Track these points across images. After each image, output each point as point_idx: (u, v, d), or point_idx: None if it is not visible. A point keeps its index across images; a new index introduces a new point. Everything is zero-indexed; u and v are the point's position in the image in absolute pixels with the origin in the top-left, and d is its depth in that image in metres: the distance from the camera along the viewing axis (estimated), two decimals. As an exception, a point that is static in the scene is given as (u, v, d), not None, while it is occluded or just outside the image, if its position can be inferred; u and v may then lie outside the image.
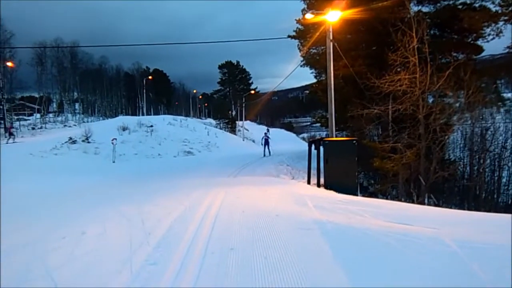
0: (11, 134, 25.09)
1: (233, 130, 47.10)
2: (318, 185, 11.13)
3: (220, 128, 44.87)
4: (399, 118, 13.47)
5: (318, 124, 32.68)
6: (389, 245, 4.44)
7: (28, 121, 37.71)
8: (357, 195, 9.94)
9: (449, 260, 3.84)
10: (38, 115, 40.99)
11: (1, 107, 29.45)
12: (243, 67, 74.36)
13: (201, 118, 62.27)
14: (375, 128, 16.65)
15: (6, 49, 29.16)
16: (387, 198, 12.71)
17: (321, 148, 11.28)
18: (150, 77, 54.01)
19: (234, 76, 73.82)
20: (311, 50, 19.17)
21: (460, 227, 5.18)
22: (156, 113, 56.72)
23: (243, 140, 42.23)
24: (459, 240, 4.32)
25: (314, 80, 22.68)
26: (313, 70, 21.10)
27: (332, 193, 8.95)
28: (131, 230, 5.60)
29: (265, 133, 25.69)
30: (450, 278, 3.48)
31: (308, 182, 11.67)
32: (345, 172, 10.31)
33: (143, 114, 47.20)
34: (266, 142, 23.91)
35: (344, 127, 18.48)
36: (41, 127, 34.01)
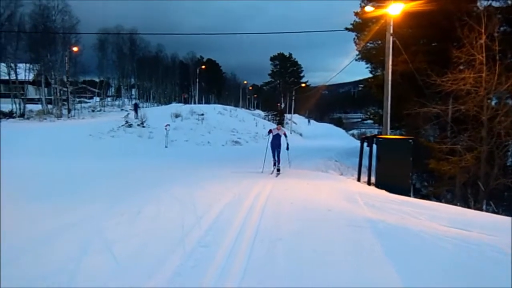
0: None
1: (281, 122, 46.90)
2: (369, 183, 10.87)
3: (268, 120, 44.89)
4: (460, 119, 12.71)
5: (369, 121, 31.78)
6: (446, 249, 4.26)
7: (89, 104, 39.97)
8: (409, 196, 9.57)
9: (510, 270, 3.62)
10: (98, 99, 43.34)
11: (66, 89, 31.35)
12: (295, 60, 73.81)
13: (249, 109, 62.66)
14: (432, 128, 15.88)
15: (72, 34, 30.88)
16: (441, 202, 12.12)
17: (374, 146, 10.99)
18: (203, 67, 55.13)
19: (286, 68, 73.50)
20: (367, 44, 18.64)
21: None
22: (207, 102, 57.93)
23: (291, 133, 42.05)
24: (522, 250, 4.06)
25: (368, 75, 22.11)
26: (368, 65, 20.56)
27: (383, 192, 8.69)
28: (183, 213, 5.81)
29: (279, 126, 12.98)
30: (514, 289, 3.28)
31: (358, 180, 11.42)
32: (398, 171, 9.97)
33: (194, 103, 48.40)
34: (275, 144, 11.72)
35: (398, 126, 17.81)
36: (100, 110, 35.93)
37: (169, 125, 21.86)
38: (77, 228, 5.09)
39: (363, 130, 60.63)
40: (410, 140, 10.35)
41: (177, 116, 27.91)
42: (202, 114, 29.87)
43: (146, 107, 36.95)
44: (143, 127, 23.59)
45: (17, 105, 27.37)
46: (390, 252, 4.11)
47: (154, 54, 51.51)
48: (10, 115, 26.08)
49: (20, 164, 10.94)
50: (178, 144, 21.79)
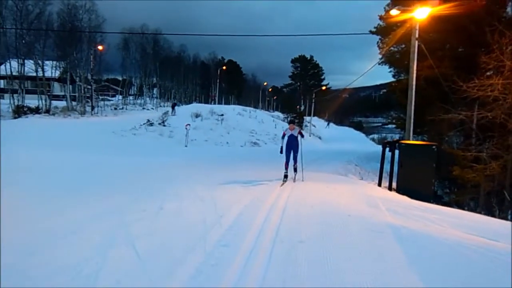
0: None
1: (300, 125, 46.72)
2: (390, 188, 10.71)
3: (288, 122, 44.77)
4: (486, 126, 12.41)
5: (390, 126, 31.36)
6: (471, 259, 4.15)
7: (111, 102, 40.73)
8: (431, 203, 9.39)
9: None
10: (120, 97, 44.14)
11: (90, 87, 32.10)
12: (316, 62, 73.43)
13: (269, 111, 62.64)
14: (455, 135, 15.55)
15: (97, 33, 31.62)
16: (463, 210, 11.86)
17: (396, 151, 10.83)
18: (224, 68, 55.48)
19: (306, 70, 73.19)
20: (391, 48, 18.39)
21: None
22: (227, 102, 58.26)
23: (310, 136, 41.87)
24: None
25: (390, 80, 21.92)
26: (391, 69, 20.31)
27: (405, 198, 8.54)
28: (204, 211, 5.86)
29: (292, 122, 11.62)
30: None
31: (379, 185, 11.27)
32: (421, 178, 9.78)
33: (214, 103, 48.73)
34: (291, 145, 10.04)
35: (420, 131, 17.50)
36: (122, 108, 36.60)
37: (189, 124, 22.09)
38: (101, 221, 5.21)
39: (384, 134, 59.86)
40: (434, 147, 10.15)
41: (197, 116, 28.20)
42: (222, 115, 30.11)
43: (167, 107, 37.39)
44: (164, 126, 23.92)
45: (43, 101, 28.16)
46: (413, 259, 4.03)
47: (177, 54, 52.10)
48: (36, 111, 26.86)
49: (46, 157, 11.25)
50: (198, 144, 21.99)
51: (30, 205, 5.96)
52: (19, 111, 25.52)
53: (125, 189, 7.63)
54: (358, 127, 73.98)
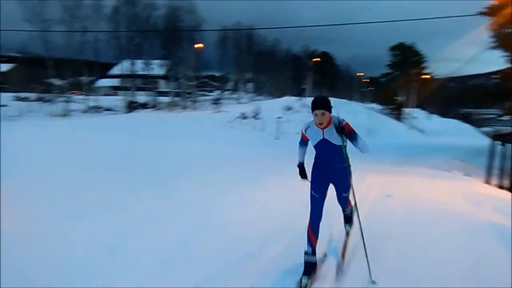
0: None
1: (398, 117, 44.00)
2: (501, 186, 9.59)
3: (385, 114, 42.49)
4: None
5: (506, 118, 27.91)
6: None
7: (210, 97, 43.15)
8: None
9: None
10: (218, 92, 46.54)
11: (191, 83, 34.54)
12: (417, 49, 68.18)
13: (363, 103, 60.18)
14: None
15: (197, 32, 33.84)
16: None
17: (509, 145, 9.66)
18: (318, 59, 54.82)
19: (406, 59, 68.42)
20: (503, 30, 16.32)
21: None
22: (320, 95, 57.26)
23: (409, 129, 39.31)
24: None
25: (504, 66, 19.35)
26: (507, 53, 17.98)
27: (517, 197, 7.57)
28: (292, 202, 5.93)
29: (323, 106, 3.56)
30: None
31: (487, 182, 10.15)
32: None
33: (306, 96, 48.39)
34: (326, 166, 3.91)
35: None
36: (219, 103, 38.56)
37: (281, 117, 22.34)
38: (197, 205, 5.67)
39: (498, 127, 53.44)
40: (558, 140, 8.80)
41: (288, 109, 28.41)
42: (314, 107, 29.77)
43: (260, 100, 38.30)
44: (256, 119, 24.59)
45: (151, 97, 31.25)
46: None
47: (270, 48, 52.92)
48: (144, 106, 29.99)
49: (154, 147, 12.48)
50: (289, 136, 22.05)
51: (136, 189, 6.65)
52: (131, 106, 28.78)
53: (216, 180, 7.95)
54: (466, 119, 67.04)
